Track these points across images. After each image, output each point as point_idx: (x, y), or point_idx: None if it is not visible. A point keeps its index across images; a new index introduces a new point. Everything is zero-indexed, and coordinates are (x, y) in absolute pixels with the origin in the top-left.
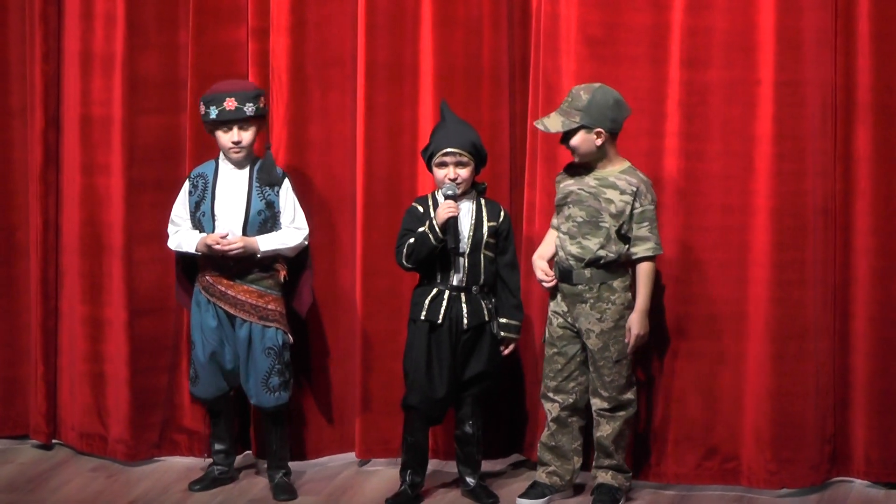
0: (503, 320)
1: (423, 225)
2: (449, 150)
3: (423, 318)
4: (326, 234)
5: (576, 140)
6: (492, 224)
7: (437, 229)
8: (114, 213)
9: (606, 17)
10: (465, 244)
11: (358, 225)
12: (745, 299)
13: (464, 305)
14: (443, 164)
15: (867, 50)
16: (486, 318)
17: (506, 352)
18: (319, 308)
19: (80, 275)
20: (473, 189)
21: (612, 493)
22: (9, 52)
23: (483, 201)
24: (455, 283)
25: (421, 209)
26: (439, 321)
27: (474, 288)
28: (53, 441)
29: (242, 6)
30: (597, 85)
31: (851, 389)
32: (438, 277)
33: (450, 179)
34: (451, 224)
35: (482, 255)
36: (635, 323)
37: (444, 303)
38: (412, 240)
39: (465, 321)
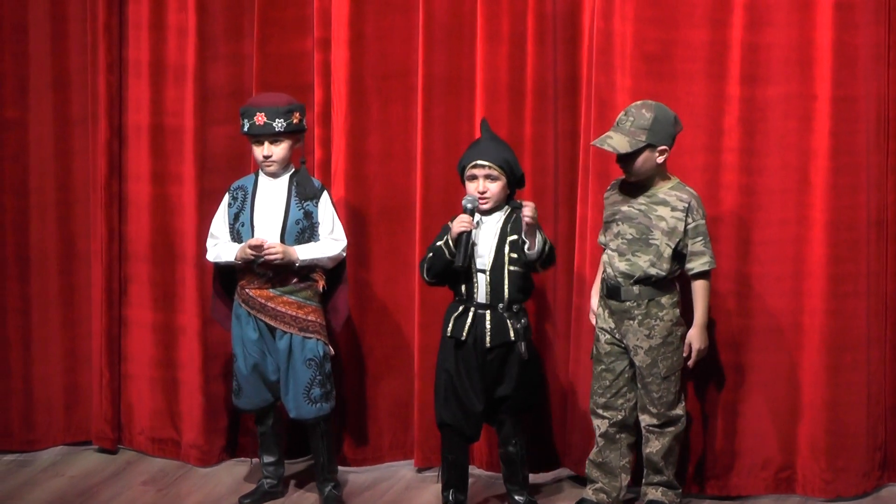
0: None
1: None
2: (478, 162)
3: (448, 335)
4: (387, 243)
5: (640, 159)
6: (513, 238)
7: (452, 243)
8: (186, 221)
9: (663, 34)
10: (487, 262)
11: (416, 236)
12: (801, 311)
13: (487, 323)
14: (473, 178)
15: None
16: (512, 338)
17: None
18: (379, 316)
19: (151, 283)
20: (507, 205)
21: None
22: (70, 62)
23: (513, 218)
24: (479, 300)
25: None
26: (463, 338)
27: (500, 306)
28: (118, 446)
29: (308, 17)
30: (653, 102)
31: None
32: (465, 295)
33: (479, 192)
34: (463, 239)
35: (506, 272)
36: (696, 338)
37: (469, 320)
38: (431, 254)
39: (488, 339)
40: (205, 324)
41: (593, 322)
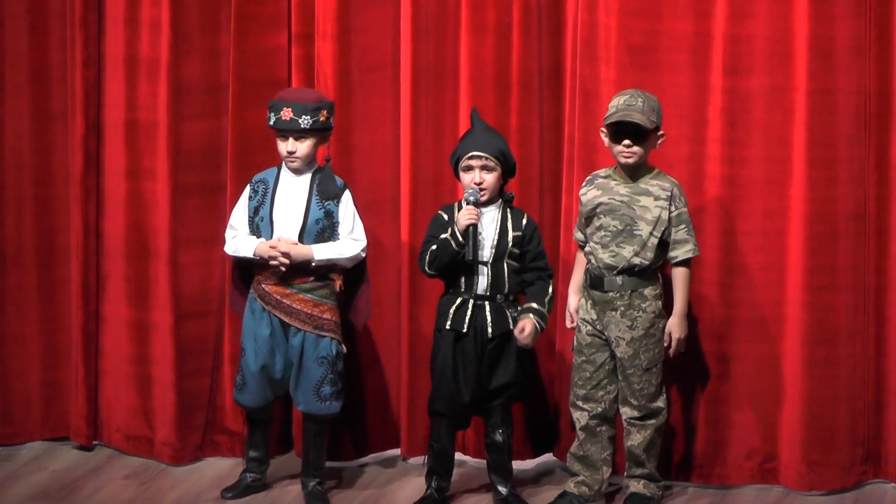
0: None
1: (447, 232)
2: (475, 153)
3: (448, 327)
4: (372, 236)
5: (650, 141)
6: (516, 234)
7: (459, 235)
8: (159, 217)
9: (647, 26)
10: (488, 254)
11: (403, 228)
12: (783, 302)
13: (488, 314)
14: (468, 168)
15: None
16: (511, 327)
17: (522, 336)
18: None
19: (126, 279)
20: (500, 198)
21: (643, 502)
22: (50, 56)
23: (509, 211)
24: (479, 292)
25: (446, 216)
26: (464, 330)
27: (498, 297)
28: (94, 443)
29: (283, 11)
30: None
31: (885, 393)
32: (463, 286)
33: (475, 183)
34: (471, 232)
35: (505, 265)
36: (676, 327)
37: (469, 312)
38: (434, 246)
39: (490, 330)
40: (177, 320)
41: (568, 325)
